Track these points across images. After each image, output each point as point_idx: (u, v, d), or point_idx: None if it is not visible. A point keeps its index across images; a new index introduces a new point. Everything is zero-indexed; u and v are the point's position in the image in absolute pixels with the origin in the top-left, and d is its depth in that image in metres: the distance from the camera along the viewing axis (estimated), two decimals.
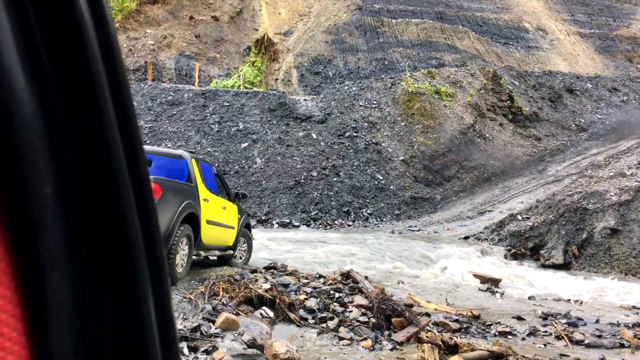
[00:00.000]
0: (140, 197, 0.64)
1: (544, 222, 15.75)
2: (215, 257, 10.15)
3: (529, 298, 10.58)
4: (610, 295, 11.54)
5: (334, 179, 19.71)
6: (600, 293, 11.63)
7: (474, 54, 37.42)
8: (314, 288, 9.34)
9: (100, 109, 0.60)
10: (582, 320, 8.94)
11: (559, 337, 8.10)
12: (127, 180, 0.62)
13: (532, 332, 8.21)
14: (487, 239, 16.46)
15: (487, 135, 23.54)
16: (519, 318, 8.91)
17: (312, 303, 8.70)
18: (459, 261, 13.78)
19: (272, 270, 10.65)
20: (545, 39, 41.03)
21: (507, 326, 8.38)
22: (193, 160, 9.02)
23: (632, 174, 16.66)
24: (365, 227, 18.19)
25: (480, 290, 10.94)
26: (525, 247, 15.67)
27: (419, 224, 18.55)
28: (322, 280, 10.07)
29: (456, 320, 8.58)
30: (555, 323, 8.73)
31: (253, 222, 16.28)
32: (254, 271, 10.07)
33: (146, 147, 9.46)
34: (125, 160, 0.62)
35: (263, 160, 20.55)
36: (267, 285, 8.80)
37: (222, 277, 9.16)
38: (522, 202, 19.89)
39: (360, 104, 23.36)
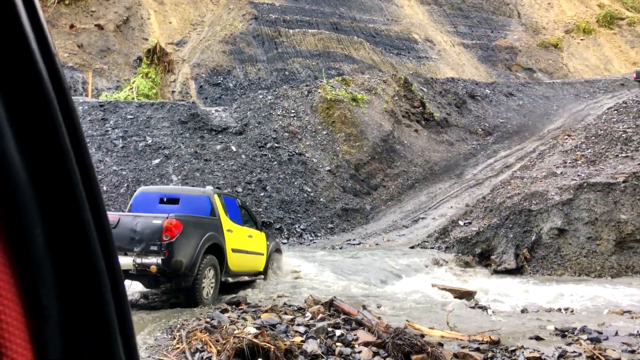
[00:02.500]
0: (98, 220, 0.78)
1: (489, 226, 15.04)
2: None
3: (522, 312, 9.53)
4: (588, 300, 10.83)
5: (261, 194, 17.91)
6: (577, 298, 10.90)
7: (370, 64, 37.14)
8: (307, 326, 7.63)
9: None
10: (602, 333, 7.98)
11: (592, 358, 7.04)
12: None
13: (562, 355, 7.09)
14: (433, 247, 15.47)
15: (406, 142, 22.86)
16: (538, 338, 7.78)
17: (312, 346, 6.96)
18: (421, 274, 12.59)
19: (242, 306, 8.76)
20: (433, 50, 41.81)
21: (533, 350, 7.18)
22: (216, 195, 9.46)
23: (562, 172, 16.50)
24: (300, 243, 16.57)
25: (468, 307, 9.73)
26: (473, 252, 14.86)
27: (357, 237, 17.26)
28: (305, 314, 8.35)
29: (477, 349, 7.27)
30: (578, 340, 7.69)
31: None
32: (224, 311, 8.13)
33: (173, 187, 10.30)
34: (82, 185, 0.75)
35: (180, 177, 18.27)
36: (253, 329, 6.95)
37: (192, 324, 7.22)
38: (451, 207, 19.26)
39: (278, 113, 21.73)
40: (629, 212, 14.03)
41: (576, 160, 17.22)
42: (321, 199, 18.72)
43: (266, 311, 8.26)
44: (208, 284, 8.47)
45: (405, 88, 25.04)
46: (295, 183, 18.69)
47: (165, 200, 9.50)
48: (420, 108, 24.71)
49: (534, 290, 11.71)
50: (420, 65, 39.10)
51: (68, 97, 0.74)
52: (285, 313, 8.27)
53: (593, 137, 18.12)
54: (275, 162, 19.40)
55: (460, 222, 16.06)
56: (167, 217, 7.87)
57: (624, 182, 14.59)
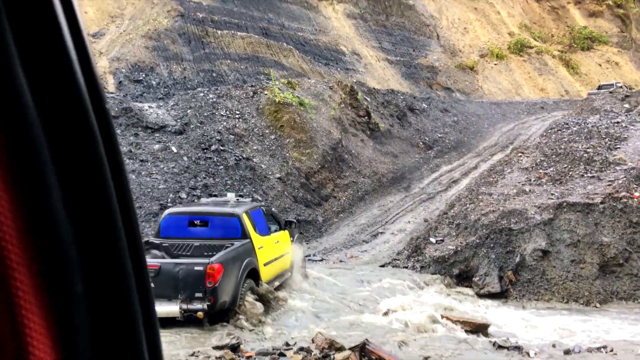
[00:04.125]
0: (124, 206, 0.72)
1: (467, 245, 13.61)
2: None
3: (566, 353, 7.96)
4: (604, 333, 9.54)
5: None
6: (593, 332, 9.59)
7: (300, 72, 35.35)
8: None
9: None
10: None
11: None
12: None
13: None
14: (406, 267, 13.79)
15: (353, 152, 21.21)
16: None
17: None
18: (413, 298, 10.83)
19: (244, 352, 6.52)
20: (360, 63, 40.85)
21: None
22: (244, 215, 9.29)
23: (530, 190, 15.50)
24: None
25: (498, 346, 8.02)
26: (451, 273, 13.34)
27: (315, 252, 15.25)
28: None
29: None
30: None
31: None
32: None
33: (201, 208, 9.88)
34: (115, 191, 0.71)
35: None
36: None
37: None
38: (409, 222, 17.81)
39: (222, 113, 19.28)
40: (610, 234, 13.17)
41: (540, 178, 16.35)
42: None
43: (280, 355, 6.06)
44: (248, 305, 8.57)
45: (351, 96, 23.45)
46: (245, 190, 16.35)
47: (195, 223, 9.39)
48: (366, 117, 23.22)
49: (537, 322, 10.30)
50: (348, 76, 37.77)
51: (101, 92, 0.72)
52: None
53: (554, 156, 17.40)
54: (221, 167, 16.95)
55: (432, 240, 14.53)
56: (209, 263, 7.87)
57: (601, 203, 13.76)
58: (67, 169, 0.66)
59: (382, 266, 13.91)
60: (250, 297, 8.60)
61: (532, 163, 17.59)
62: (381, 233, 16.88)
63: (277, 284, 10.00)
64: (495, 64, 46.58)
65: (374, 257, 14.76)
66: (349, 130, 22.02)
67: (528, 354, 7.65)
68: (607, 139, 18.40)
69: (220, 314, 8.23)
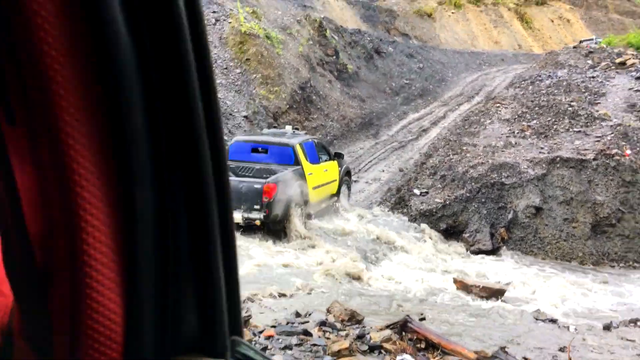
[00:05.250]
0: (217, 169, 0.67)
1: (456, 199, 12.54)
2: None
3: (605, 329, 6.98)
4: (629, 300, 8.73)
5: None
6: (611, 297, 8.77)
7: (253, 3, 32.75)
8: None
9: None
10: None
11: None
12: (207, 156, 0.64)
13: None
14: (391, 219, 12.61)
15: (321, 93, 19.55)
16: None
17: None
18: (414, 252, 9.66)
19: (268, 332, 5.11)
20: (318, 0, 38.41)
21: None
22: (298, 145, 10.73)
23: (516, 143, 14.54)
24: None
25: (536, 319, 6.96)
26: (438, 227, 12.29)
27: None
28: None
29: None
30: None
31: None
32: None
33: (263, 138, 11.35)
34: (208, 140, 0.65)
35: None
36: None
37: None
38: (383, 171, 16.57)
39: None
40: (604, 193, 12.43)
41: (523, 130, 15.40)
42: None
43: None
44: (295, 222, 9.81)
45: (320, 33, 21.56)
46: None
47: (257, 150, 10.75)
48: (334, 57, 21.46)
49: (544, 282, 9.40)
50: (305, 14, 35.56)
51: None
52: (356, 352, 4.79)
53: (537, 109, 16.46)
54: None
55: (416, 191, 13.36)
56: (265, 183, 9.26)
57: (594, 159, 12.96)
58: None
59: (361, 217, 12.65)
60: (297, 213, 9.96)
61: (514, 115, 16.61)
62: (355, 181, 15.57)
63: (323, 205, 11.49)
64: (452, 13, 45.31)
65: (351, 207, 13.47)
66: (317, 70, 20.25)
67: (568, 328, 6.64)
68: (586, 94, 17.65)
69: (274, 225, 9.62)
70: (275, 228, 9.66)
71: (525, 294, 8.43)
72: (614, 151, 13.22)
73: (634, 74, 20.37)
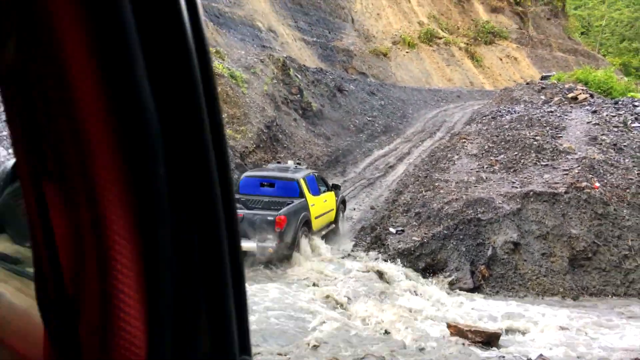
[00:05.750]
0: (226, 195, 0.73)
1: (434, 236, 12.24)
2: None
3: None
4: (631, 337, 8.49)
5: None
6: (609, 335, 8.51)
7: (214, 44, 32.54)
8: None
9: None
10: None
11: None
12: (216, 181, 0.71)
13: None
14: (366, 257, 12.17)
15: (287, 131, 19.23)
16: None
17: None
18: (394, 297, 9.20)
19: None
20: (277, 41, 38.56)
21: None
22: (301, 179, 11.92)
23: (487, 177, 14.48)
24: None
25: None
26: (416, 267, 11.92)
27: None
28: None
29: None
30: None
31: None
32: None
33: (269, 173, 12.39)
34: (216, 163, 0.71)
35: None
36: None
37: None
38: (354, 209, 16.23)
39: None
40: (578, 226, 12.39)
41: (492, 165, 15.41)
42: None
43: None
44: (302, 247, 11.02)
45: (283, 72, 21.36)
46: None
47: (264, 184, 11.81)
48: (298, 96, 21.25)
49: (535, 322, 9.08)
50: (267, 54, 35.55)
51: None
52: None
53: (503, 143, 16.55)
54: None
55: (392, 230, 13.01)
56: (278, 215, 10.25)
57: (565, 192, 12.97)
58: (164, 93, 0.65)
59: (343, 257, 12.17)
60: (304, 241, 11.21)
61: (480, 150, 16.65)
62: None
63: (323, 232, 12.69)
64: (407, 52, 46.29)
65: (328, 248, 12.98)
66: (282, 109, 19.95)
67: None
68: (548, 128, 17.93)
69: (285, 251, 10.58)
70: (285, 254, 10.72)
71: (519, 337, 8.09)
72: (583, 184, 13.29)
73: (589, 108, 20.93)
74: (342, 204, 14.35)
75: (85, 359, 0.64)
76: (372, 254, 12.33)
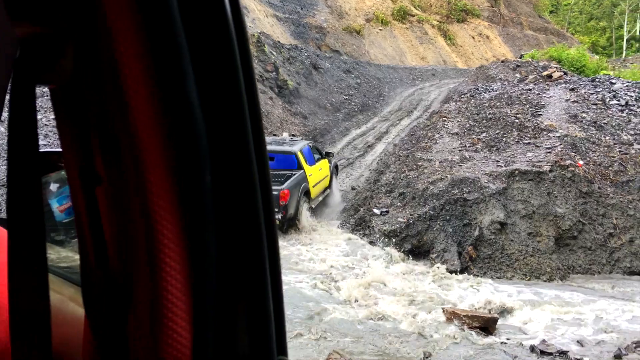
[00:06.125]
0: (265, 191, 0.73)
1: (419, 217, 11.91)
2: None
3: (617, 357, 6.43)
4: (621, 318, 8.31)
5: None
6: (600, 315, 8.32)
7: None
8: None
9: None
10: None
11: None
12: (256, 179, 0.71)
13: None
14: (351, 240, 11.79)
15: (264, 111, 18.57)
16: None
17: None
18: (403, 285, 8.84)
19: None
20: (248, 17, 37.48)
21: None
22: (299, 152, 12.40)
23: (470, 157, 14.20)
24: None
25: (541, 352, 6.30)
26: (403, 249, 11.59)
27: None
28: None
29: None
30: None
31: None
32: None
33: (268, 147, 11.47)
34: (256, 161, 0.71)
35: None
36: None
37: None
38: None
39: None
40: (563, 205, 12.21)
41: (474, 144, 15.13)
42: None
43: None
44: (304, 215, 11.88)
45: (258, 48, 20.62)
46: None
47: None
48: (274, 73, 20.58)
49: (528, 305, 8.85)
50: None
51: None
52: None
53: (484, 121, 16.28)
54: None
55: (376, 211, 12.64)
56: (281, 189, 10.88)
57: (550, 171, 12.77)
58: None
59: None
60: (304, 209, 11.95)
61: (462, 128, 16.35)
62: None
63: (320, 198, 13.50)
64: (380, 30, 45.70)
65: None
66: (258, 87, 19.26)
67: None
68: (527, 105, 17.73)
69: (289, 222, 11.39)
70: (289, 224, 11.51)
71: (515, 321, 7.83)
72: (567, 162, 13.11)
73: (565, 85, 20.83)
74: (335, 169, 15.20)
75: (133, 357, 0.65)
76: (357, 235, 11.96)
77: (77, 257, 0.72)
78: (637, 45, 62.04)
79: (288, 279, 8.53)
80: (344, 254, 10.60)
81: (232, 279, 0.69)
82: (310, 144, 13.79)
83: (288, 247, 10.74)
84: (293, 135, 14.84)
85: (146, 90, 0.60)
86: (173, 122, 0.62)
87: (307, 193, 12.16)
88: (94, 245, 0.68)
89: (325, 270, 9.46)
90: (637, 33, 62.14)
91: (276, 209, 10.58)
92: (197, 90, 0.63)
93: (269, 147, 12.28)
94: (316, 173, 12.96)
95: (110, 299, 0.67)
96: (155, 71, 0.60)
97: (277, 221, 10.50)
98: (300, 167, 12.15)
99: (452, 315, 7.29)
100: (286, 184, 11.14)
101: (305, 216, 11.93)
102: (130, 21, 0.59)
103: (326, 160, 14.18)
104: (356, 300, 8.14)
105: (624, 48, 61.48)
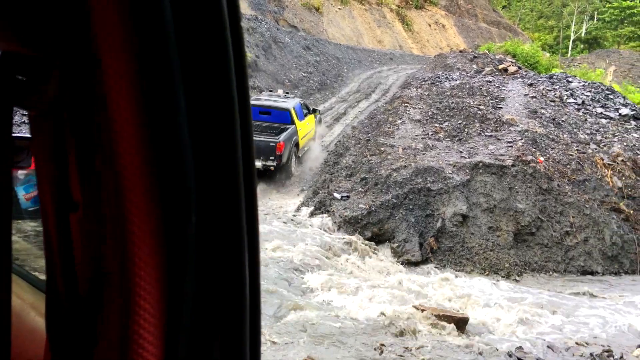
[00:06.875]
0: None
1: (382, 205, 11.47)
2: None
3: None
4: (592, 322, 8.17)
5: None
6: (572, 320, 8.16)
7: None
8: None
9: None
10: None
11: None
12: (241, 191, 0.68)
13: None
14: (311, 225, 11.24)
15: None
16: None
17: None
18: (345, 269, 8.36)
19: None
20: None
21: None
22: (292, 109, 14.02)
23: (433, 145, 13.88)
24: None
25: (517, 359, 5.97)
26: (364, 236, 11.15)
27: None
28: None
29: None
30: None
31: None
32: None
33: (267, 102, 14.38)
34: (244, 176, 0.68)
35: None
36: None
37: None
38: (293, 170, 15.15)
39: None
40: (524, 200, 12.08)
41: (437, 132, 14.82)
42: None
43: None
44: (294, 163, 13.99)
45: None
46: None
47: (262, 112, 14.01)
48: None
49: (496, 303, 8.60)
50: None
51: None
52: None
53: (447, 110, 15.98)
54: None
55: (337, 195, 12.11)
56: (278, 142, 12.51)
57: (512, 165, 12.61)
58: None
59: (284, 222, 11.16)
60: (293, 158, 13.71)
61: (424, 115, 16.01)
62: (261, 180, 13.98)
63: (306, 149, 15.04)
64: (339, 9, 44.86)
65: (271, 210, 11.92)
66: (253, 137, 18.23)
67: None
68: (488, 97, 17.60)
69: (282, 168, 12.95)
70: (282, 170, 13.11)
71: (481, 320, 7.53)
72: (529, 158, 13.00)
73: (522, 80, 20.90)
74: (319, 122, 17.03)
75: None
76: (317, 219, 11.41)
77: (43, 259, 0.69)
78: (582, 46, 64.04)
79: None
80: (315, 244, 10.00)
81: (208, 320, 0.66)
82: (301, 102, 15.36)
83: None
84: (287, 93, 16.67)
85: (134, 126, 0.58)
86: (161, 158, 0.60)
87: (297, 145, 13.82)
88: (63, 273, 0.65)
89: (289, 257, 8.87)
90: (583, 34, 64.10)
91: (272, 157, 12.36)
92: (188, 130, 0.60)
93: (266, 102, 14.27)
94: (304, 127, 14.57)
95: (76, 332, 0.64)
96: (144, 106, 0.58)
97: (272, 168, 12.50)
98: (292, 122, 13.72)
99: (424, 313, 6.89)
100: (281, 136, 12.71)
101: (293, 164, 13.86)
102: (123, 57, 0.57)
103: (312, 115, 15.86)
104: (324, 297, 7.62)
105: (570, 48, 63.34)
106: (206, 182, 0.63)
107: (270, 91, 17.24)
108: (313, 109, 16.70)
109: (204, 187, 0.63)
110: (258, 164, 12.04)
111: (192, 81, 0.61)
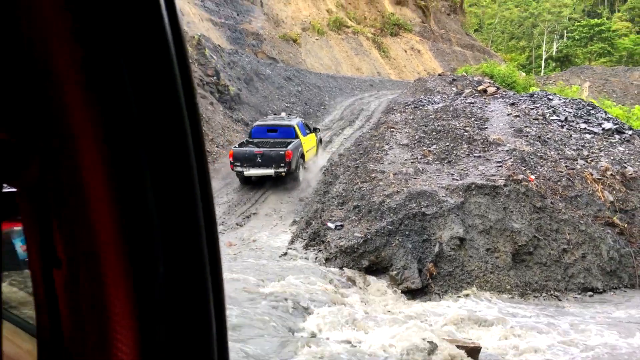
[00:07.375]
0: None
1: (377, 232, 11.21)
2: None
3: None
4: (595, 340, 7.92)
5: None
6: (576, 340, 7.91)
7: None
8: None
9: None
10: None
11: None
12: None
13: None
14: (306, 258, 10.92)
15: (204, 116, 17.44)
16: None
17: None
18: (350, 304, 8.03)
19: None
20: (182, 20, 35.87)
21: None
22: (296, 125, 16.35)
23: (423, 169, 13.73)
24: None
25: None
26: (360, 266, 10.85)
27: None
28: None
29: None
30: None
31: None
32: None
33: (274, 122, 16.82)
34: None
35: None
36: None
37: None
38: (281, 202, 14.90)
39: None
40: (519, 220, 11.92)
41: (425, 156, 14.70)
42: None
43: None
44: (301, 172, 15.95)
45: (198, 51, 19.40)
46: None
47: (270, 130, 16.38)
48: (215, 78, 19.42)
49: (505, 329, 8.33)
50: None
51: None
52: None
53: (434, 133, 15.91)
54: None
55: (331, 225, 11.83)
56: (286, 150, 14.77)
57: (505, 185, 12.48)
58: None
59: (281, 256, 10.83)
60: (301, 168, 15.83)
61: (412, 140, 15.91)
62: (254, 214, 13.70)
63: (310, 163, 16.81)
64: (316, 39, 45.24)
65: (266, 245, 11.60)
66: (197, 91, 18.04)
67: None
68: (473, 119, 17.60)
69: (292, 174, 15.02)
70: (292, 176, 15.17)
71: (497, 347, 7.24)
72: (520, 176, 12.90)
73: (503, 100, 21.01)
74: (319, 142, 18.68)
75: None
76: (312, 253, 11.09)
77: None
78: (554, 64, 65.33)
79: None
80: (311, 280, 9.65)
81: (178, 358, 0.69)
82: (303, 121, 17.47)
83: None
84: (289, 114, 19.23)
85: (109, 204, 0.64)
86: (131, 226, 0.65)
87: (302, 156, 15.93)
88: (50, 322, 0.70)
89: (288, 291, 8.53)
90: (554, 53, 65.47)
91: (282, 164, 14.55)
92: (154, 197, 0.66)
93: (272, 122, 16.71)
94: (307, 142, 16.62)
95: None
96: (116, 187, 0.64)
97: (283, 173, 14.70)
98: (297, 137, 15.86)
99: (431, 343, 6.59)
100: (289, 147, 14.90)
101: (301, 171, 15.78)
102: (95, 138, 0.63)
103: (314, 134, 17.70)
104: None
105: (542, 66, 64.57)
106: (171, 238, 0.68)
107: (275, 114, 19.14)
108: (314, 127, 18.37)
109: (169, 243, 0.68)
110: (270, 171, 14.55)
111: (156, 165, 0.66)
